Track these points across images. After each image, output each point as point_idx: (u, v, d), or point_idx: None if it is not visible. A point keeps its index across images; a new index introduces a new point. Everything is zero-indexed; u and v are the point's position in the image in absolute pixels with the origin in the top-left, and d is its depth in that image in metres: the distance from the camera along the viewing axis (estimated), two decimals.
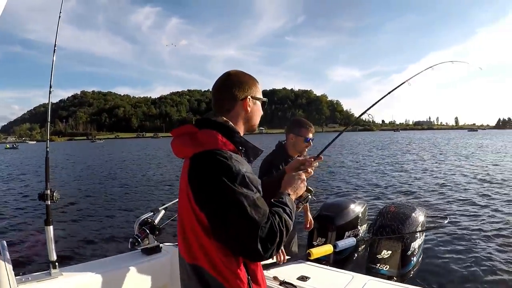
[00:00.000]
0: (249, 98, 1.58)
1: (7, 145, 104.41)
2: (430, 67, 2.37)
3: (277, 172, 1.94)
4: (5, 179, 21.25)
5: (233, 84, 1.58)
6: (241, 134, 1.58)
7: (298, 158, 1.84)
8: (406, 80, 2.18)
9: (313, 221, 3.60)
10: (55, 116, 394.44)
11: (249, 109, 1.59)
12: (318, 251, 2.97)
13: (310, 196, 1.81)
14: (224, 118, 1.55)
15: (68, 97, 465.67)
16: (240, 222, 1.29)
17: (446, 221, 7.09)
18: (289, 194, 1.58)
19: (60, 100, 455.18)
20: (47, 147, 2.46)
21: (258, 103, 1.65)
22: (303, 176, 1.69)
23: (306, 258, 3.02)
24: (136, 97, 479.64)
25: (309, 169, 1.78)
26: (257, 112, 1.65)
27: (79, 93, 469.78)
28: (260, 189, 1.43)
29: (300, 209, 1.78)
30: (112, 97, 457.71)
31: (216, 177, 1.32)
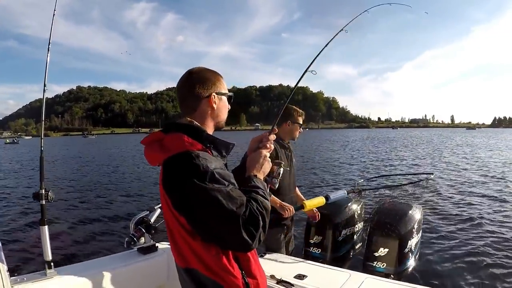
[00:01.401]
0: (213, 95, 1.57)
1: (7, 140, 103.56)
2: (366, 10, 2.45)
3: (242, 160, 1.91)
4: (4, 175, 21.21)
5: (195, 82, 1.56)
6: (210, 132, 1.59)
7: (253, 138, 1.79)
8: (343, 28, 2.21)
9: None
10: (50, 111, 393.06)
11: (215, 106, 1.58)
12: (311, 203, 3.07)
13: (281, 169, 1.77)
14: (189, 119, 1.56)
15: (64, 92, 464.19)
16: (219, 217, 1.30)
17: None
18: (255, 176, 1.57)
19: (56, 95, 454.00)
20: (41, 146, 2.43)
21: (224, 98, 1.64)
22: (264, 152, 1.66)
23: (301, 207, 3.06)
24: (132, 92, 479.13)
25: (267, 144, 1.71)
26: (223, 108, 1.64)
27: (74, 88, 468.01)
28: (233, 181, 1.41)
29: (277, 184, 1.75)
30: (108, 92, 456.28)
31: (186, 179, 1.32)
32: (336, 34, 2.17)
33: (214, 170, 1.34)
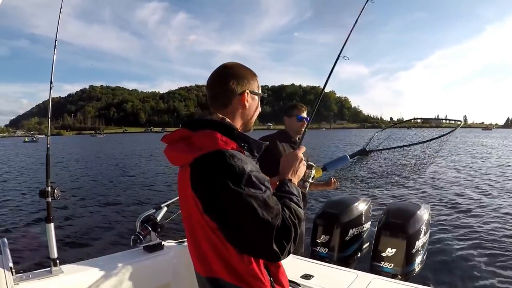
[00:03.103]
0: (247, 93, 1.47)
1: (26, 139, 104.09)
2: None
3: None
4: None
5: (229, 77, 1.46)
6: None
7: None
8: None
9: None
10: (63, 110, 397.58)
11: (247, 104, 1.48)
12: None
13: (313, 172, 1.72)
14: (220, 115, 1.45)
15: (77, 91, 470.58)
16: (252, 226, 1.21)
17: None
18: (290, 180, 1.48)
19: (69, 95, 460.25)
20: (47, 143, 2.44)
21: (257, 98, 1.54)
22: (300, 154, 1.58)
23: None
24: (144, 91, 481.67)
25: (302, 146, 1.66)
26: (255, 108, 1.55)
27: (87, 87, 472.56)
28: (269, 185, 1.31)
29: (307, 188, 1.70)
30: (120, 91, 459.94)
31: (220, 181, 1.21)
32: (364, 6, 2.14)
33: (251, 173, 1.25)
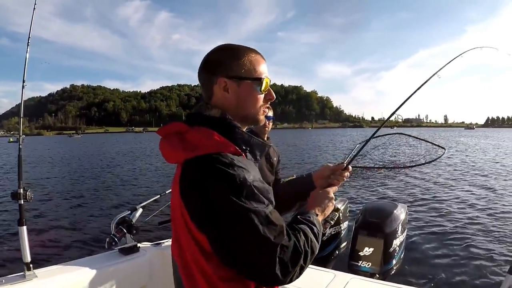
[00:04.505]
0: (223, 81, 1.22)
1: (11, 139, 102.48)
2: (460, 55, 2.12)
3: (301, 176, 1.70)
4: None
5: (205, 63, 1.27)
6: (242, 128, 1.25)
7: (328, 165, 1.58)
8: (436, 72, 1.88)
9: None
10: (44, 110, 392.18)
11: (228, 94, 1.23)
12: None
13: (337, 215, 1.59)
14: (220, 111, 1.23)
15: (57, 90, 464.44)
16: (252, 245, 1.05)
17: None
18: (317, 215, 1.32)
19: (49, 94, 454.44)
20: (19, 145, 2.40)
21: (250, 83, 1.24)
22: (331, 194, 1.44)
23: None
24: (126, 91, 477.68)
25: (339, 181, 1.52)
26: (248, 96, 1.26)
27: (68, 86, 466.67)
28: (272, 198, 1.16)
29: (327, 229, 1.62)
30: (102, 91, 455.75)
31: (216, 191, 1.05)
32: (428, 79, 1.88)
33: (253, 184, 1.08)
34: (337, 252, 3.80)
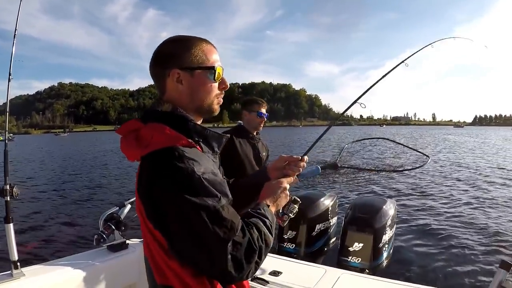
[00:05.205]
0: (176, 72, 1.21)
1: (1, 137, 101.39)
2: (430, 44, 2.13)
3: (255, 171, 1.64)
4: None
5: (155, 58, 1.26)
6: (197, 121, 1.25)
7: (283, 156, 1.55)
8: (403, 61, 1.94)
9: None
10: (31, 108, 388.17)
11: (181, 86, 1.23)
12: None
13: (296, 207, 1.55)
14: (171, 105, 1.23)
15: (45, 88, 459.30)
16: (199, 242, 1.03)
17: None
18: (268, 206, 1.30)
19: (37, 92, 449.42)
20: (6, 140, 2.38)
21: (202, 73, 1.24)
22: (285, 184, 1.42)
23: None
24: (114, 89, 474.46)
25: (293, 172, 1.49)
26: (201, 86, 1.25)
27: (56, 84, 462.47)
28: (227, 191, 1.14)
29: (286, 222, 1.55)
30: (90, 89, 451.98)
31: (162, 188, 1.05)
32: (395, 67, 1.90)
33: (202, 176, 1.05)
34: (326, 248, 3.80)
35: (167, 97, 1.26)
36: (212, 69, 1.24)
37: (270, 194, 1.37)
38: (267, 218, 1.21)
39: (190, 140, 1.15)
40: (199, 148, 1.19)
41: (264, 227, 1.16)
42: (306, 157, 1.54)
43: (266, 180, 1.49)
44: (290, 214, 1.53)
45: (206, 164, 1.12)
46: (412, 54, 2.00)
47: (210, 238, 1.02)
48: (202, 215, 1.02)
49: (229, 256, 1.02)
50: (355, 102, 1.79)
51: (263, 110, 3.43)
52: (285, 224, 1.53)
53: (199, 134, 1.21)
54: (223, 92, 1.33)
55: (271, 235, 1.18)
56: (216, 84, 1.28)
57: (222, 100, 1.34)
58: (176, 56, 1.22)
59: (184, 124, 1.19)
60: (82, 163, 25.62)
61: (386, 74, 1.87)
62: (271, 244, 1.18)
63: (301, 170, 1.51)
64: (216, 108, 1.32)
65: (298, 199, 1.55)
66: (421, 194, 10.92)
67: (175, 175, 1.04)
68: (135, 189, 1.17)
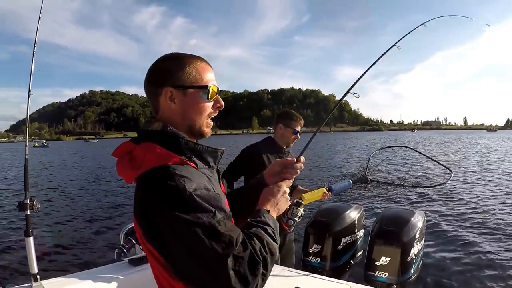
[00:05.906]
0: (169, 91, 1.21)
1: (36, 144, 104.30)
2: (422, 24, 2.15)
3: (254, 178, 1.63)
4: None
5: (149, 76, 1.26)
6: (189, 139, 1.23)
7: (277, 160, 1.53)
8: (395, 43, 1.96)
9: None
10: (63, 115, 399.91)
11: (173, 104, 1.22)
12: (312, 196, 2.80)
13: (301, 210, 1.52)
14: (161, 123, 1.23)
15: (77, 96, 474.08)
16: (198, 260, 0.99)
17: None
18: (268, 211, 1.26)
19: (69, 100, 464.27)
20: (25, 154, 2.39)
21: (195, 92, 1.23)
22: (284, 187, 1.38)
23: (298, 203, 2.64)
24: (144, 96, 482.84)
25: (291, 174, 1.46)
26: (194, 104, 1.24)
27: (87, 92, 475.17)
28: (222, 205, 1.11)
29: (292, 227, 1.53)
30: (121, 96, 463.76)
31: (156, 205, 1.04)
32: (387, 51, 1.92)
33: (194, 193, 1.03)
34: (352, 262, 3.70)
35: (160, 115, 1.26)
36: (205, 88, 1.24)
37: (270, 199, 1.33)
38: (269, 225, 1.18)
39: (182, 157, 1.14)
40: (193, 165, 1.17)
41: (266, 235, 1.13)
42: (302, 158, 1.52)
43: (265, 187, 1.45)
44: (295, 218, 1.51)
45: (199, 180, 1.10)
46: (405, 35, 2.00)
47: (209, 255, 0.99)
48: (197, 232, 0.99)
49: (231, 272, 0.98)
50: (347, 92, 1.81)
51: (299, 128, 3.39)
52: (292, 229, 1.51)
53: (192, 150, 1.20)
54: (217, 111, 1.33)
55: (275, 242, 1.15)
56: (209, 104, 1.28)
57: (212, 123, 1.32)
58: (170, 74, 1.21)
59: (175, 141, 1.18)
60: (107, 171, 25.50)
61: (377, 60, 1.92)
62: (277, 252, 1.13)
63: (298, 171, 1.47)
64: (207, 131, 1.30)
65: (302, 201, 1.55)
66: (453, 204, 10.51)
67: (166, 194, 1.03)
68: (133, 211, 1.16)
